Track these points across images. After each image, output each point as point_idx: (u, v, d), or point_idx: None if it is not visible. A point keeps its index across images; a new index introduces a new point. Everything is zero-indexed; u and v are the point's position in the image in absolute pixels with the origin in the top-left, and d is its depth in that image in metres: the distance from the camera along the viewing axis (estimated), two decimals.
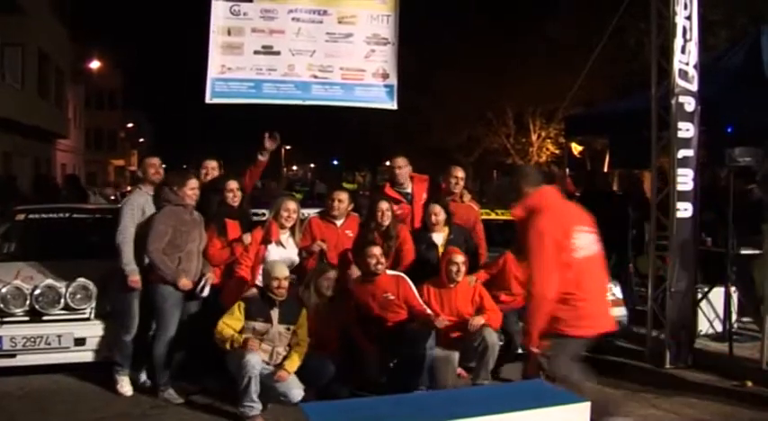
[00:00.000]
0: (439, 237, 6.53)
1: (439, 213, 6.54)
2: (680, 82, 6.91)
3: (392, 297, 6.02)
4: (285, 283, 5.54)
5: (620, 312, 7.14)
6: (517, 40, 23.68)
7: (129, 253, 5.87)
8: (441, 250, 6.42)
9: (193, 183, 6.01)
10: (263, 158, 6.85)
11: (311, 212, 6.83)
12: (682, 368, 6.82)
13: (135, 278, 5.85)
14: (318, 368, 5.55)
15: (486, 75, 24.69)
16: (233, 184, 6.40)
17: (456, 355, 6.06)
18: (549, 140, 27.91)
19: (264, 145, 6.84)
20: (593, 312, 4.49)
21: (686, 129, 6.92)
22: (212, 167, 6.81)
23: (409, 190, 6.93)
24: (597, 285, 4.61)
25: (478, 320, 5.93)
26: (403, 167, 6.93)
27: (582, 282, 4.39)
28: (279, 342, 5.48)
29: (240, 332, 5.38)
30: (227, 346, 5.30)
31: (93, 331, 6.17)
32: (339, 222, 6.53)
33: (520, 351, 6.37)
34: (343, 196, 6.60)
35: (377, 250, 6.00)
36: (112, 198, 16.37)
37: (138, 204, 6.06)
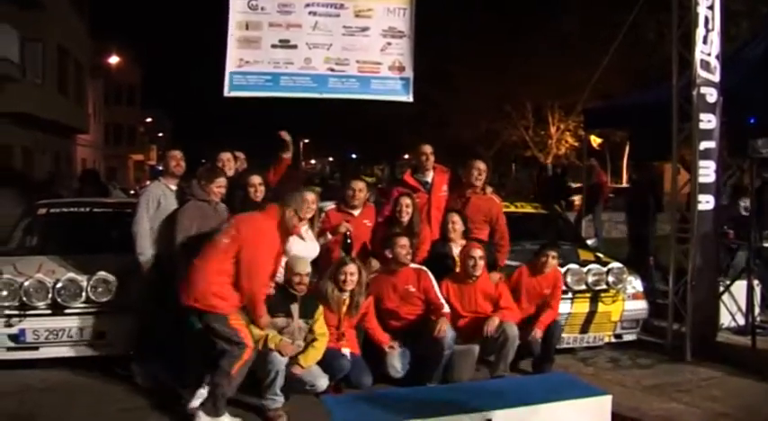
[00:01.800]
0: (457, 250, 6.48)
1: (457, 223, 6.53)
2: (701, 73, 6.83)
3: (413, 289, 6.02)
4: (306, 280, 5.58)
5: (641, 305, 7.11)
6: (535, 34, 23.59)
7: (144, 243, 5.96)
8: (459, 263, 6.37)
9: (222, 181, 6.04)
10: (286, 156, 6.92)
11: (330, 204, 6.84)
12: (703, 362, 6.74)
13: (149, 267, 5.92)
14: (333, 362, 5.56)
15: (504, 68, 24.65)
16: (256, 179, 6.42)
17: (476, 349, 6.05)
18: (568, 133, 27.85)
19: (283, 139, 6.88)
20: None
21: (708, 121, 6.85)
22: (227, 159, 6.81)
23: (429, 179, 6.91)
24: None
25: (493, 323, 5.90)
26: (429, 155, 6.91)
27: None
28: (299, 336, 5.52)
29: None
30: (260, 346, 5.29)
31: (114, 324, 6.21)
32: (357, 212, 6.54)
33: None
34: (362, 185, 6.62)
35: (406, 241, 6.00)
36: (132, 192, 16.49)
37: (155, 195, 6.13)
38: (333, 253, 6.25)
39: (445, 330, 5.75)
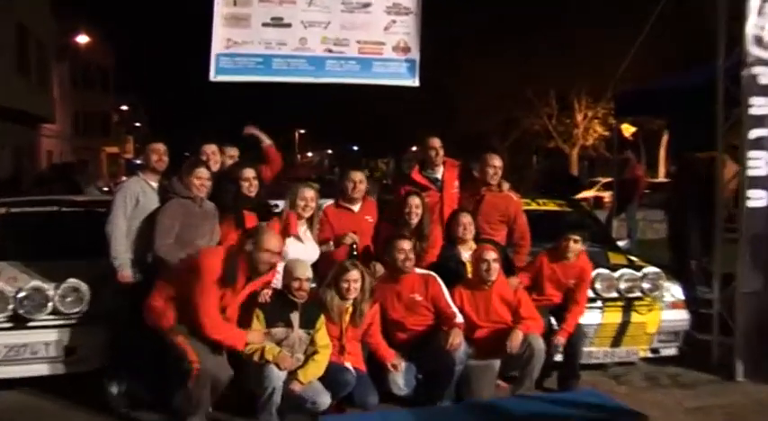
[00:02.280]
0: (467, 253, 6.47)
1: (469, 226, 6.52)
2: (753, 50, 6.75)
3: (419, 298, 6.00)
4: (306, 285, 5.57)
5: (681, 315, 7.08)
6: (561, 11, 23.52)
7: (119, 245, 5.96)
8: (470, 268, 6.36)
9: (203, 172, 6.04)
10: (266, 144, 6.97)
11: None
12: (756, 381, 6.68)
13: (125, 272, 5.92)
14: (336, 378, 5.54)
15: (525, 49, 24.58)
16: (249, 173, 6.44)
17: (497, 364, 6.02)
18: (596, 121, 27.83)
19: (250, 134, 7.02)
20: None
21: (759, 105, 6.78)
22: (212, 152, 6.83)
23: (439, 175, 6.91)
24: None
25: (517, 338, 5.85)
26: (439, 150, 6.91)
27: None
28: (299, 347, 5.51)
29: None
30: (256, 358, 5.31)
31: (86, 339, 6.17)
32: (356, 208, 6.55)
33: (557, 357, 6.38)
34: (361, 176, 6.65)
35: (406, 244, 5.97)
36: (106, 189, 16.50)
37: (133, 192, 6.11)
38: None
39: (458, 343, 5.72)
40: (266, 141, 7.03)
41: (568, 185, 15.14)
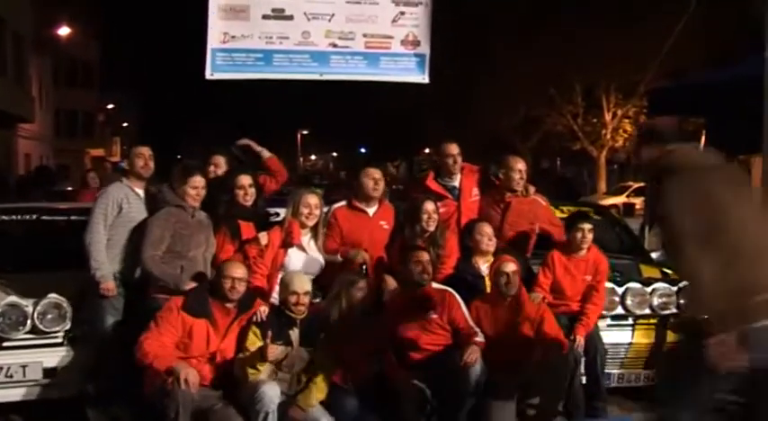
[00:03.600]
0: (485, 266, 6.48)
1: (492, 236, 6.53)
2: None
3: (435, 315, 5.97)
4: (305, 299, 5.57)
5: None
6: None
7: (100, 255, 5.97)
8: (488, 282, 6.36)
9: (198, 180, 6.06)
10: (265, 156, 6.97)
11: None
12: None
13: (107, 285, 5.95)
14: (339, 403, 5.54)
15: (548, 41, 24.50)
16: (245, 180, 6.42)
17: (513, 405, 6.00)
18: (626, 120, 27.70)
19: (245, 146, 7.04)
20: None
21: None
22: (217, 164, 6.85)
23: (456, 183, 6.91)
24: None
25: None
26: (457, 157, 6.91)
27: None
28: (299, 367, 5.52)
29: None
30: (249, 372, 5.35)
31: (67, 360, 6.16)
32: (371, 211, 6.54)
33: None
34: (379, 174, 6.61)
35: (424, 256, 5.96)
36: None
37: (115, 199, 6.13)
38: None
39: (474, 359, 5.67)
40: (266, 154, 6.99)
41: (555, 186, 14.99)
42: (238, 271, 5.54)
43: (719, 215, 3.77)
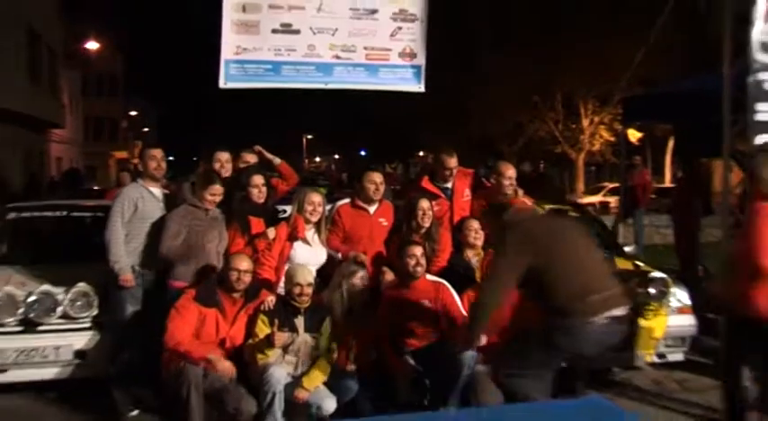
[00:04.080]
0: (476, 260, 6.48)
1: (479, 231, 6.52)
2: (759, 56, 6.74)
3: (430, 304, 5.97)
4: (308, 290, 5.59)
5: (688, 321, 7.05)
6: (567, 12, 23.46)
7: (118, 249, 5.98)
8: (479, 274, 6.35)
9: (216, 189, 6.08)
10: (276, 163, 6.96)
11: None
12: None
13: (125, 277, 5.95)
14: (340, 384, 5.55)
15: (531, 53, 24.52)
16: (258, 180, 6.45)
17: None
18: (602, 126, 27.69)
19: (258, 154, 7.01)
20: None
21: (765, 111, 6.77)
22: (226, 160, 6.84)
23: (449, 185, 6.91)
24: None
25: None
26: (453, 170, 6.90)
27: None
28: (304, 352, 5.54)
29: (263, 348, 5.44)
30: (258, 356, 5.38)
31: (95, 343, 6.21)
32: (372, 209, 6.55)
33: None
34: (380, 178, 6.62)
35: (418, 250, 5.95)
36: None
37: (131, 199, 6.13)
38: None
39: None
40: (276, 160, 6.99)
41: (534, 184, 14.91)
42: (244, 263, 5.58)
43: (548, 248, 4.78)
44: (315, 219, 6.20)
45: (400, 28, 7.65)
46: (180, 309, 5.40)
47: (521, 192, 7.02)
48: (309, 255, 6.09)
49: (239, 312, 5.62)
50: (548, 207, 8.35)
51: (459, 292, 6.12)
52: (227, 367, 5.23)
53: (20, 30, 23.88)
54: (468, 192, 6.95)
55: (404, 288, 6.03)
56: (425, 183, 7.00)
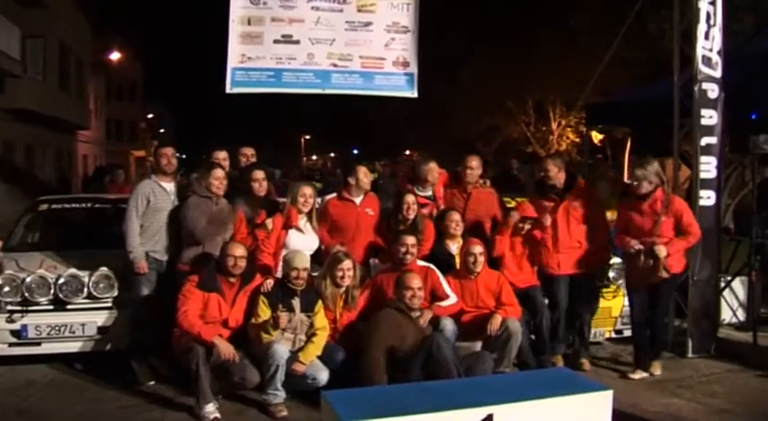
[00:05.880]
0: (456, 248, 6.48)
1: (459, 223, 6.53)
2: (703, 68, 6.84)
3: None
4: (304, 274, 5.61)
5: None
6: (538, 29, 23.52)
7: (134, 240, 5.99)
8: (458, 260, 6.36)
9: (219, 173, 6.08)
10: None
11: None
12: (704, 357, 6.78)
13: (140, 264, 5.96)
14: (331, 357, 5.59)
15: (506, 63, 24.55)
16: (259, 174, 6.46)
17: (478, 345, 6.03)
18: (569, 129, 27.74)
19: None
20: None
21: (709, 117, 6.86)
22: (223, 158, 6.86)
23: (430, 192, 6.92)
24: None
25: (497, 322, 5.85)
26: (433, 181, 6.90)
27: None
28: (300, 330, 5.56)
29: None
30: (263, 335, 5.40)
31: (116, 320, 6.25)
32: (358, 200, 6.53)
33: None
34: (366, 171, 6.65)
35: (409, 240, 5.96)
36: None
37: (144, 194, 6.11)
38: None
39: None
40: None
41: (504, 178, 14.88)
42: (239, 250, 5.60)
43: None
44: (306, 209, 6.21)
45: (393, 39, 7.64)
46: (186, 294, 5.43)
47: (488, 182, 7.06)
48: (303, 241, 6.11)
49: (238, 294, 5.64)
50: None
51: (445, 275, 6.13)
52: (228, 351, 5.27)
53: (53, 44, 24.01)
54: (442, 189, 6.97)
55: (395, 273, 6.02)
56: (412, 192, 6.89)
